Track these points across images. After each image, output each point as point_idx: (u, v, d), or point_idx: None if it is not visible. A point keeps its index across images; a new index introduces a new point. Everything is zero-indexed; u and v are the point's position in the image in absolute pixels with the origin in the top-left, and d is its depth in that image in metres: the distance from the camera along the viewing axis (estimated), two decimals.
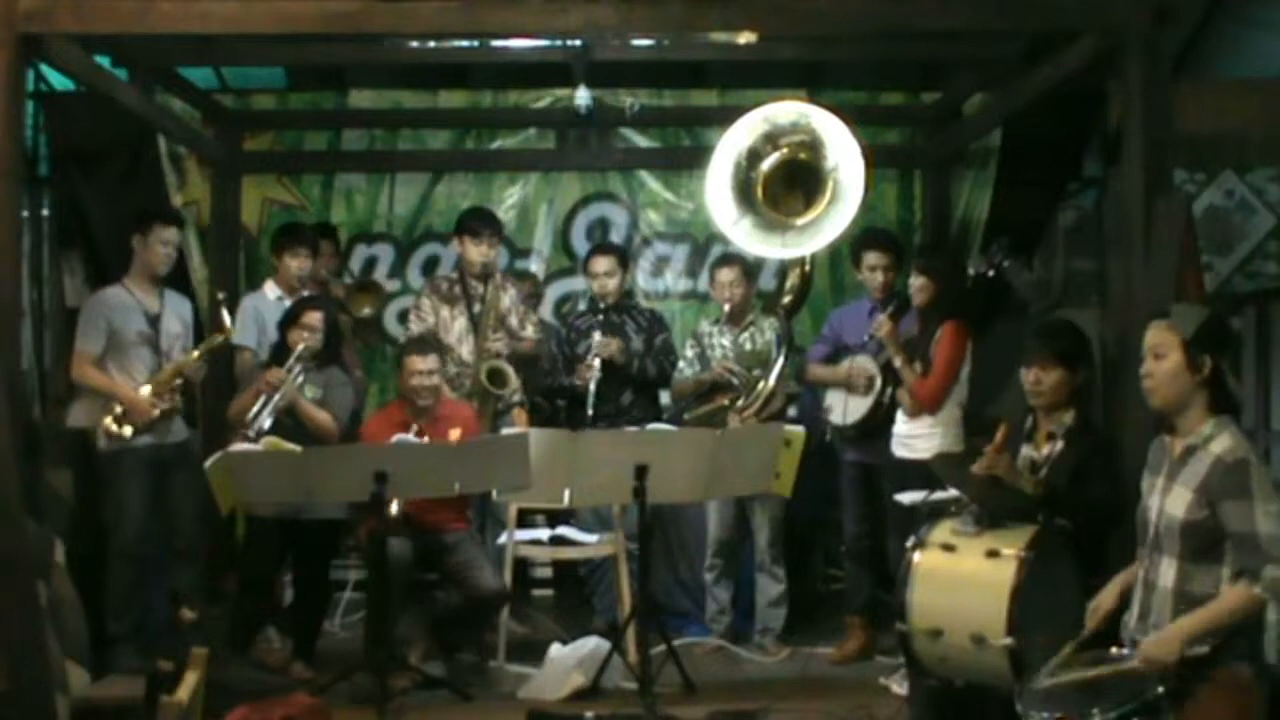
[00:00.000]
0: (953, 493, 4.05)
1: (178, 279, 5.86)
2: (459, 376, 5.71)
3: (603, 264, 5.90)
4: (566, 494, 4.88)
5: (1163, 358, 3.17)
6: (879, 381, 5.25)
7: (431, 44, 6.19)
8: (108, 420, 5.05)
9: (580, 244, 7.14)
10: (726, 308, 5.65)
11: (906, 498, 4.45)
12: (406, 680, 4.84)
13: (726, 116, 4.94)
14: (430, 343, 5.44)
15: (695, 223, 7.10)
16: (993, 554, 3.62)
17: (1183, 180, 5.98)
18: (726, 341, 5.67)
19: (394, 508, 4.84)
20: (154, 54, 5.94)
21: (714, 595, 5.67)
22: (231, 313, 5.56)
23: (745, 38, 5.90)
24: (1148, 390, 3.21)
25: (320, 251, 6.09)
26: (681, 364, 5.78)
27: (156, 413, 5.10)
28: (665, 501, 5.31)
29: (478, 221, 5.89)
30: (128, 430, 5.06)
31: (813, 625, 5.81)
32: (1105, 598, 3.41)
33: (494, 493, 5.19)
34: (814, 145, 4.65)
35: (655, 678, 4.69)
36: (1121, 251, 4.80)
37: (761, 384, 5.40)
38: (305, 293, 5.68)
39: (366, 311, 6.48)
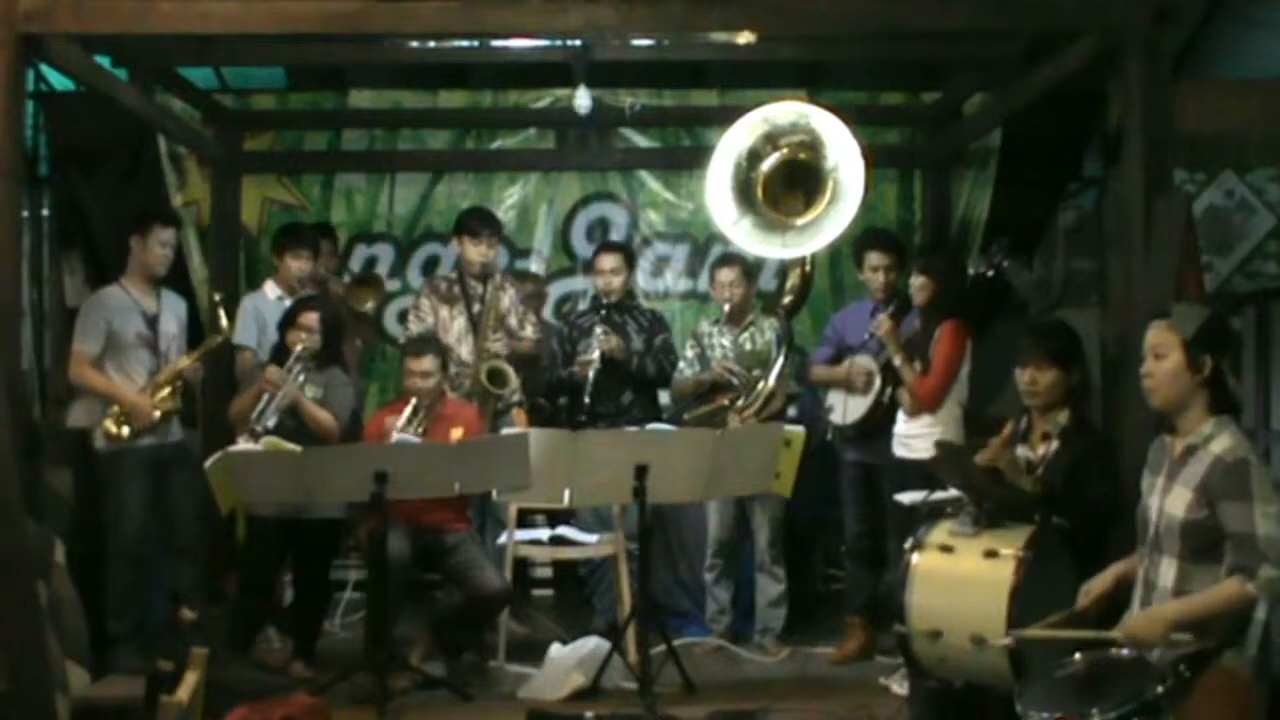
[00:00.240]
0: (953, 493, 4.05)
1: (177, 279, 5.86)
2: (458, 376, 5.71)
3: (609, 261, 5.90)
4: (566, 494, 4.88)
5: (1163, 357, 3.17)
6: (878, 380, 5.25)
7: (431, 44, 6.18)
8: (107, 421, 5.06)
9: (580, 244, 7.14)
10: (726, 308, 5.65)
11: (906, 498, 4.45)
12: (406, 680, 4.84)
13: (726, 116, 4.94)
14: (430, 342, 5.43)
15: (695, 223, 7.10)
16: (991, 554, 3.62)
17: (1183, 180, 5.98)
18: (726, 341, 5.67)
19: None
20: (154, 54, 5.94)
21: (714, 595, 5.67)
22: (230, 313, 5.56)
23: (745, 38, 5.90)
24: (1148, 390, 3.21)
25: (320, 251, 6.09)
26: (681, 364, 5.78)
27: (157, 415, 5.10)
28: (665, 501, 5.31)
29: (477, 221, 5.89)
30: (126, 431, 5.06)
31: (813, 625, 5.81)
32: (1100, 580, 3.41)
33: (494, 493, 5.20)
34: (814, 145, 4.65)
35: (655, 678, 4.69)
36: (1121, 251, 4.80)
37: (761, 384, 5.41)
38: (305, 293, 5.68)
39: (369, 306, 6.48)
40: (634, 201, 7.18)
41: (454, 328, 5.82)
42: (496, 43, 6.23)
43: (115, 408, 5.07)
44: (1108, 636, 3.08)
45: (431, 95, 7.08)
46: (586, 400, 5.63)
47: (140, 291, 5.24)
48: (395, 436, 5.00)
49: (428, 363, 5.20)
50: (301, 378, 5.14)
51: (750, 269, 5.76)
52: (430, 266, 7.03)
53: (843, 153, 4.59)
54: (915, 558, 3.77)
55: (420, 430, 5.11)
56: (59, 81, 5.91)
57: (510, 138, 7.14)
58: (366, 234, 7.09)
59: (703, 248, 7.08)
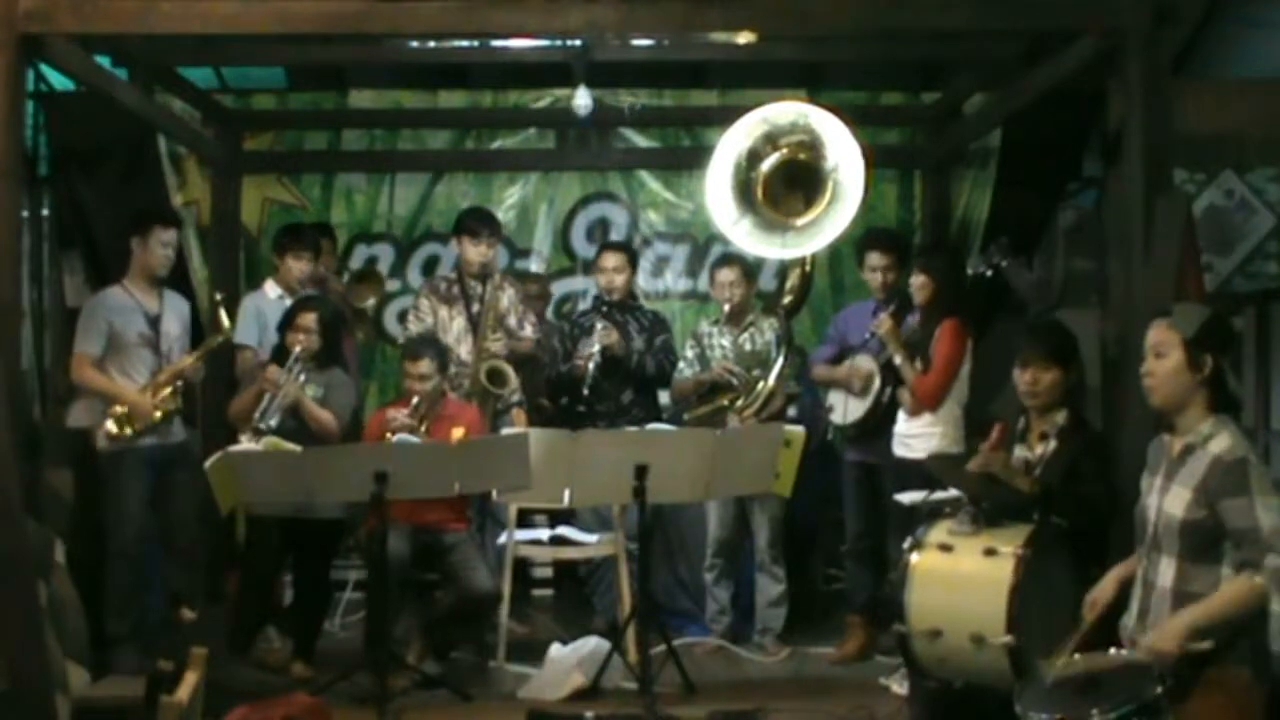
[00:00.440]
0: (953, 493, 4.05)
1: (177, 279, 5.86)
2: (458, 376, 5.71)
3: (612, 260, 5.90)
4: (566, 494, 4.89)
5: (1163, 356, 3.17)
6: (876, 381, 5.26)
7: (431, 44, 6.18)
8: (109, 421, 5.06)
9: (580, 244, 7.14)
10: (726, 308, 5.65)
11: (907, 498, 4.45)
12: (406, 680, 4.84)
13: (726, 116, 4.94)
14: (427, 344, 5.42)
15: (695, 223, 7.10)
16: (990, 553, 3.63)
17: (1183, 180, 5.97)
18: (726, 342, 5.67)
19: None
20: (154, 54, 5.94)
21: (714, 595, 5.67)
22: (231, 313, 5.56)
23: (745, 38, 5.90)
24: (1148, 389, 3.21)
25: (321, 251, 6.09)
26: (681, 364, 5.79)
27: (159, 415, 5.11)
28: (665, 501, 5.31)
29: (476, 221, 5.90)
30: (129, 432, 5.06)
31: (813, 625, 5.81)
32: (1103, 590, 3.40)
33: (494, 493, 5.20)
34: (814, 145, 4.65)
35: (655, 678, 4.69)
36: (1121, 251, 4.80)
37: (761, 384, 5.41)
38: (304, 293, 5.68)
39: (370, 302, 6.47)
40: (634, 201, 7.18)
41: (453, 328, 5.82)
42: (496, 43, 6.22)
43: (117, 408, 5.07)
44: (1128, 661, 3.04)
45: (431, 95, 7.09)
46: (585, 392, 5.63)
47: (142, 292, 5.24)
48: (396, 436, 5.01)
49: (425, 365, 5.20)
50: (302, 377, 5.14)
51: (750, 269, 5.76)
52: (430, 266, 7.03)
53: (843, 153, 4.59)
54: (914, 557, 3.77)
55: (422, 430, 5.12)
56: (59, 81, 5.91)
57: (510, 138, 7.14)
58: (366, 234, 7.10)
59: (703, 248, 7.08)
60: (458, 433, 5.07)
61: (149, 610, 5.20)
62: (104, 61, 5.59)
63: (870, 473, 5.36)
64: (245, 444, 5.00)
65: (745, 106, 4.86)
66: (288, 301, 5.56)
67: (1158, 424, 3.35)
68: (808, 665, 5.39)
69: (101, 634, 4.88)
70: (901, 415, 5.10)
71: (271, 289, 5.87)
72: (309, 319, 5.20)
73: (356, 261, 7.02)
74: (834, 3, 4.93)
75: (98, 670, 4.64)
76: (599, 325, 5.74)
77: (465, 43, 6.24)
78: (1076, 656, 3.15)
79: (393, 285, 7.01)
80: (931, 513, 4.02)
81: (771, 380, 5.38)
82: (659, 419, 5.79)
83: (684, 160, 6.95)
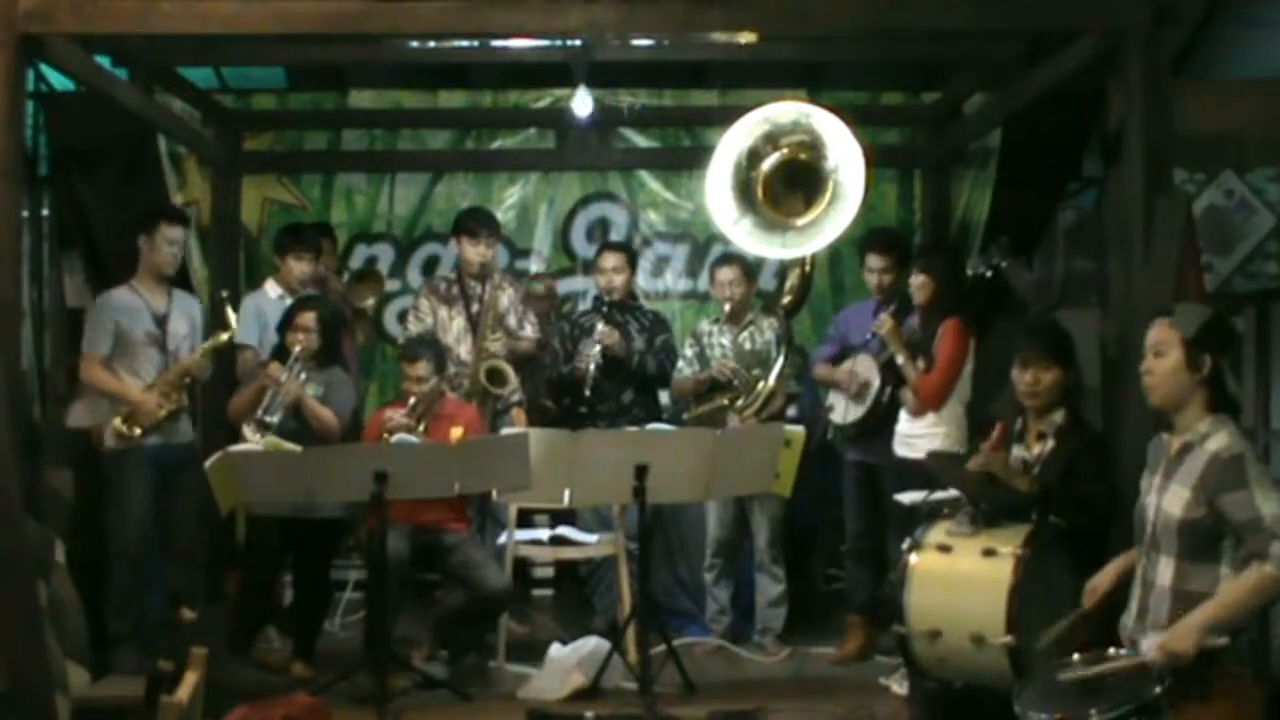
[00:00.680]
0: (953, 493, 4.05)
1: (178, 279, 5.85)
2: (457, 376, 5.71)
3: (612, 260, 5.90)
4: (566, 494, 4.89)
5: (1163, 356, 3.17)
6: (874, 388, 5.25)
7: (431, 44, 6.19)
8: (116, 421, 5.07)
9: (580, 244, 7.14)
10: (726, 307, 5.65)
11: (906, 498, 4.45)
12: (406, 680, 4.84)
13: (726, 116, 4.94)
14: (425, 346, 5.41)
15: (695, 223, 7.10)
16: (989, 553, 3.63)
17: (1183, 180, 5.97)
18: (726, 341, 5.67)
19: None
20: (154, 54, 5.94)
21: (714, 595, 5.67)
22: (234, 312, 5.57)
23: (746, 38, 5.90)
24: (1147, 387, 3.22)
25: (322, 252, 6.09)
26: (681, 363, 5.79)
27: (162, 413, 5.11)
28: (665, 501, 5.31)
29: (475, 222, 5.90)
30: (136, 431, 5.07)
31: (813, 625, 5.81)
32: (1102, 578, 3.41)
33: (494, 493, 5.20)
34: (814, 145, 4.65)
35: (655, 678, 4.69)
36: (1121, 251, 4.80)
37: (761, 384, 5.41)
38: (304, 293, 5.68)
39: (370, 302, 6.47)
40: (634, 201, 7.18)
41: (453, 328, 5.82)
42: (497, 43, 6.23)
43: (123, 407, 5.08)
44: (1137, 664, 3.03)
45: (431, 95, 7.09)
46: (587, 393, 5.63)
47: (150, 291, 5.25)
48: (395, 436, 5.01)
49: (422, 367, 5.20)
50: (303, 376, 5.14)
51: (750, 268, 5.76)
52: (430, 266, 7.03)
53: (843, 153, 4.59)
54: (913, 558, 3.77)
55: (420, 430, 5.12)
56: (59, 81, 5.90)
57: (510, 138, 7.14)
58: (366, 234, 7.10)
59: (703, 248, 7.08)
60: (456, 432, 5.07)
61: (149, 610, 5.20)
62: (104, 61, 5.59)
63: (870, 473, 5.36)
64: (248, 435, 5.04)
65: (745, 106, 4.86)
66: (288, 301, 5.56)
67: (1157, 423, 3.35)
68: (808, 665, 5.39)
69: (102, 634, 4.88)
70: (904, 415, 5.09)
71: (272, 289, 5.88)
72: (308, 318, 5.20)
73: (356, 261, 7.02)
74: (834, 3, 4.93)
75: (98, 670, 4.64)
76: (599, 326, 5.74)
77: (465, 43, 6.24)
78: (1076, 656, 3.14)
79: (393, 285, 7.01)
80: (931, 513, 4.03)
81: (771, 380, 5.38)
82: (659, 419, 5.79)
83: (684, 160, 6.95)
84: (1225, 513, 3.02)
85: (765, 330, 5.64)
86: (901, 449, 5.06)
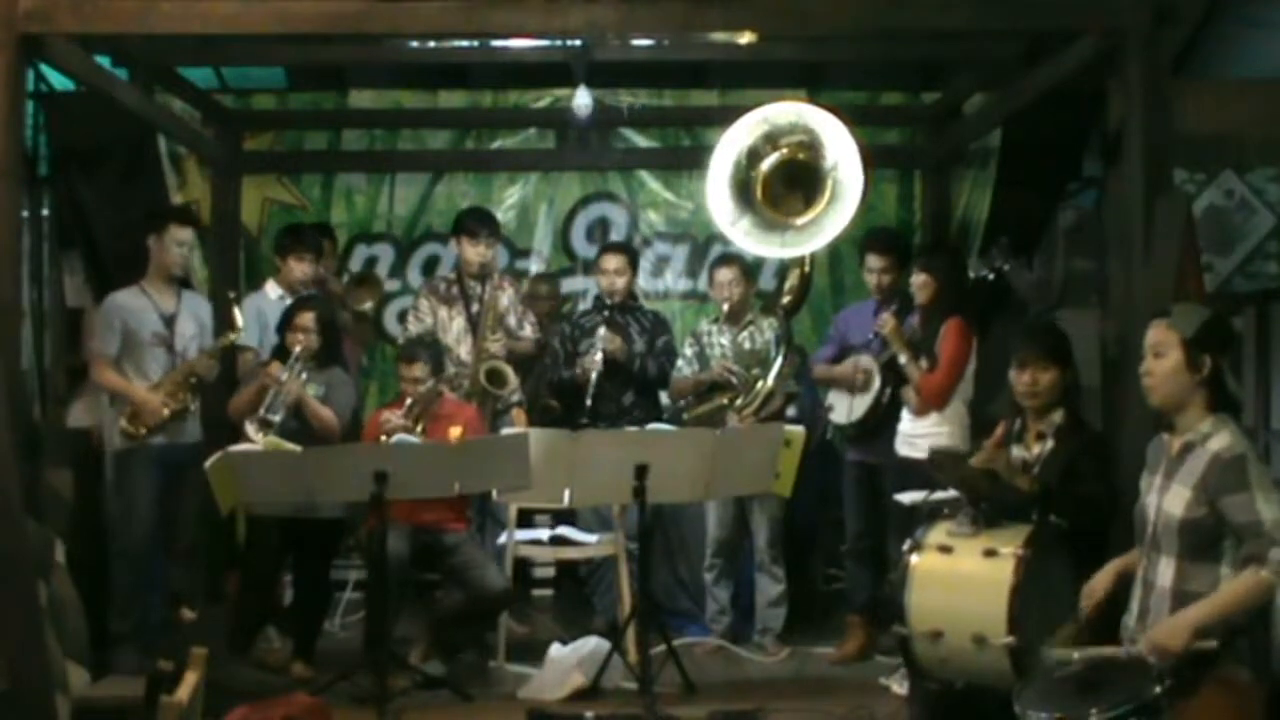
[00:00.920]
0: (953, 493, 4.05)
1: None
2: (457, 377, 5.71)
3: (613, 262, 5.90)
4: (566, 494, 4.89)
5: (1162, 356, 3.17)
6: (877, 378, 5.25)
7: (431, 44, 6.18)
8: (122, 421, 5.08)
9: (580, 244, 7.14)
10: (725, 307, 5.65)
11: (906, 498, 4.45)
12: (406, 680, 4.84)
13: (726, 116, 4.94)
14: (422, 347, 5.41)
15: (695, 223, 7.10)
16: (990, 553, 3.63)
17: (1183, 180, 5.97)
18: (725, 341, 5.67)
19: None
20: (154, 54, 5.94)
21: (714, 595, 5.67)
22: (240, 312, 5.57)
23: (746, 38, 5.90)
24: (1147, 388, 3.22)
25: (323, 252, 6.09)
26: (680, 363, 5.78)
27: (166, 413, 5.11)
28: (665, 501, 5.31)
29: (475, 222, 5.90)
30: (141, 430, 5.08)
31: (813, 625, 5.81)
32: (1099, 581, 3.40)
33: (494, 493, 5.20)
34: (813, 145, 4.65)
35: (655, 678, 4.69)
36: (1121, 251, 4.80)
37: (760, 384, 5.41)
38: (305, 293, 5.68)
39: (368, 306, 6.47)
40: (634, 201, 7.18)
41: (453, 328, 5.82)
42: (496, 43, 6.22)
43: (128, 407, 5.09)
44: (1131, 658, 3.02)
45: (431, 95, 7.08)
46: (589, 403, 5.63)
47: (158, 292, 5.26)
48: (395, 436, 5.00)
49: (419, 369, 5.20)
50: (304, 375, 5.14)
51: (749, 268, 5.76)
52: (430, 266, 7.03)
53: (842, 153, 4.59)
54: (914, 559, 3.77)
55: (419, 430, 5.12)
56: (59, 81, 5.90)
57: (510, 138, 7.14)
58: (366, 234, 7.10)
59: (703, 248, 7.08)
60: (455, 432, 5.07)
61: (149, 610, 5.20)
62: (104, 61, 5.59)
63: (870, 472, 5.36)
64: (250, 433, 5.05)
65: (745, 106, 4.86)
66: (289, 302, 5.57)
67: (1158, 424, 3.35)
68: (808, 665, 5.39)
69: (102, 634, 4.88)
70: (906, 415, 5.09)
71: (272, 289, 5.88)
72: (307, 318, 5.21)
73: (356, 261, 7.02)
74: (834, 3, 4.93)
75: (98, 670, 4.64)
76: (601, 332, 5.73)
77: (465, 43, 6.24)
78: (1076, 655, 3.14)
79: (392, 285, 7.02)
80: (931, 513, 4.02)
81: (770, 380, 5.38)
82: (660, 419, 5.79)
83: (684, 160, 6.96)
84: (1225, 514, 3.02)
85: (765, 330, 5.63)
86: (904, 448, 5.06)
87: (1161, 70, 4.75)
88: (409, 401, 5.17)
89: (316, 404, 5.15)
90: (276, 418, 5.04)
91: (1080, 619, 3.36)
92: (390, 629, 4.84)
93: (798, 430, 4.95)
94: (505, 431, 5.31)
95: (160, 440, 5.13)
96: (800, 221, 4.72)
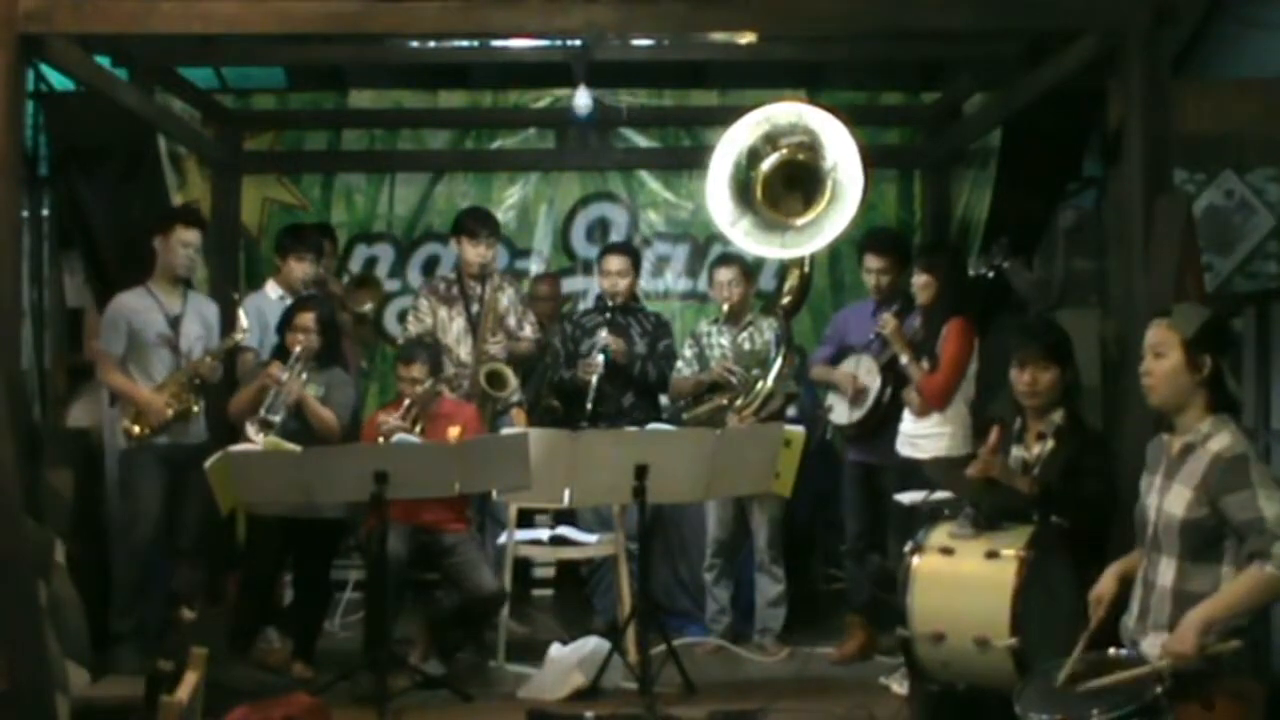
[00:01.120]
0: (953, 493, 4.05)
1: None
2: (457, 377, 5.71)
3: (616, 263, 5.90)
4: (566, 494, 4.89)
5: (1162, 356, 3.17)
6: (872, 392, 5.25)
7: (431, 44, 6.18)
8: (126, 421, 5.09)
9: (580, 244, 7.15)
10: (725, 307, 5.65)
11: (906, 498, 4.45)
12: (406, 680, 4.84)
13: (726, 116, 4.94)
14: (420, 348, 5.40)
15: (695, 223, 7.10)
16: (992, 555, 3.63)
17: (1183, 180, 5.96)
18: (725, 341, 5.67)
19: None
20: (154, 54, 5.94)
21: (714, 595, 5.67)
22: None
23: (746, 38, 5.90)
24: (1147, 388, 3.22)
25: (323, 253, 6.09)
26: (680, 363, 5.78)
27: (170, 414, 5.12)
28: (665, 501, 5.31)
29: (475, 222, 5.89)
30: (145, 431, 5.08)
31: (813, 625, 5.81)
32: (1105, 586, 3.39)
33: (494, 493, 5.20)
34: (813, 146, 4.66)
35: (655, 678, 4.69)
36: (1121, 251, 4.80)
37: (760, 384, 5.41)
38: (305, 293, 5.68)
39: (368, 308, 6.47)
40: (634, 201, 7.18)
41: (453, 328, 5.82)
42: (497, 43, 6.22)
43: (132, 407, 5.09)
44: (1155, 669, 2.99)
45: (431, 95, 7.09)
46: (589, 406, 5.63)
47: (164, 292, 5.27)
48: (395, 436, 5.00)
49: (417, 369, 5.20)
50: (304, 375, 5.14)
51: (749, 268, 5.76)
52: (430, 267, 7.03)
53: (842, 153, 4.59)
54: (915, 560, 3.77)
55: (418, 430, 5.12)
56: (59, 81, 5.90)
57: (510, 138, 7.14)
58: (366, 234, 7.10)
59: (703, 248, 7.08)
60: (454, 431, 5.06)
61: (149, 610, 5.20)
62: (104, 61, 5.59)
63: (870, 473, 5.36)
64: (251, 434, 5.04)
65: (745, 106, 4.86)
66: (289, 302, 5.57)
67: (1158, 424, 3.35)
68: (808, 665, 5.39)
69: (102, 634, 4.88)
70: (908, 415, 5.08)
71: (273, 290, 5.88)
72: (307, 319, 5.21)
73: (356, 261, 7.03)
74: (834, 3, 4.93)
75: (98, 670, 4.65)
76: (603, 334, 5.73)
77: (465, 43, 6.24)
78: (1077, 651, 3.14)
79: (392, 285, 7.02)
80: (931, 513, 4.02)
81: (770, 380, 5.38)
82: (659, 420, 5.79)
83: (684, 160, 6.96)
84: (1227, 513, 3.02)
85: (764, 330, 5.63)
86: (906, 449, 5.05)
87: (1161, 70, 4.74)
88: (407, 402, 5.17)
89: (317, 404, 5.15)
90: (277, 418, 5.05)
91: (1087, 631, 3.34)
92: (390, 629, 4.84)
93: (798, 430, 4.95)
94: (505, 431, 5.31)
95: (165, 440, 5.14)
96: (800, 222, 4.72)
